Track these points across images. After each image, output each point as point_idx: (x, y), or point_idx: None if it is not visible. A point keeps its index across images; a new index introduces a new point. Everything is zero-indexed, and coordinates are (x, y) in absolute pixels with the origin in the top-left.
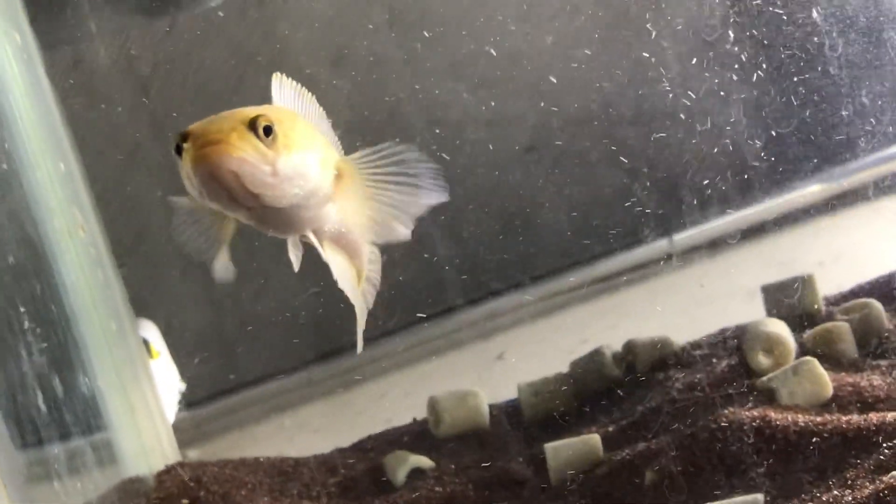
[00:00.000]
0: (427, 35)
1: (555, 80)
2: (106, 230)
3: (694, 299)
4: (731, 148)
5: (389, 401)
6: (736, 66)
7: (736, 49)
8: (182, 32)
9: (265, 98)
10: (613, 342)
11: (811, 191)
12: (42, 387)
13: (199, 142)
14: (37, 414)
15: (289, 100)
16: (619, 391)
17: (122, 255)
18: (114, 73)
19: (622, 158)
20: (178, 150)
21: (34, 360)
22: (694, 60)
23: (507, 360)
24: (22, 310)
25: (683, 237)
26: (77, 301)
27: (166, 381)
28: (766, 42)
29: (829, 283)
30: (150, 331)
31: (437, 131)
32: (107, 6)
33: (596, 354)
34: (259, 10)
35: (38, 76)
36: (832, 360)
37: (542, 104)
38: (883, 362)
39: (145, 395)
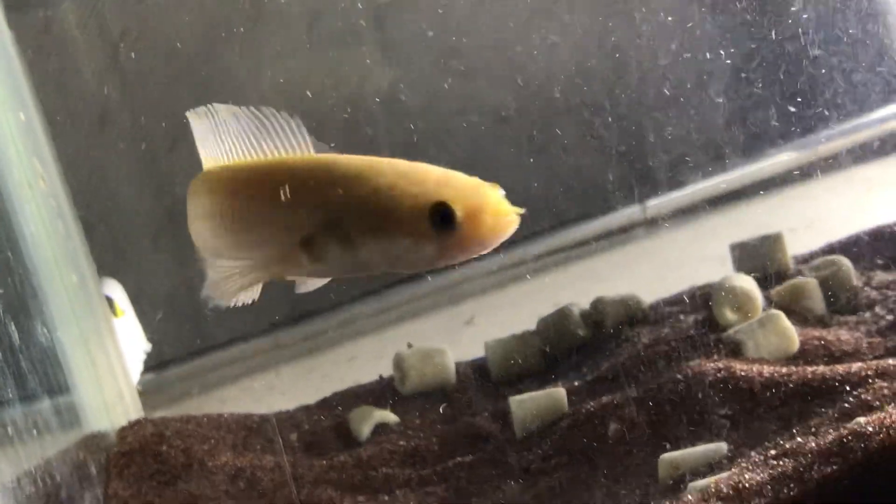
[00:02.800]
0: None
1: (528, 48)
2: (72, 192)
3: (666, 264)
4: (704, 115)
5: (359, 364)
6: (709, 33)
7: (709, 16)
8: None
9: (234, 65)
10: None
11: (784, 158)
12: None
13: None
14: None
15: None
16: (586, 348)
17: (92, 222)
18: (84, 34)
19: (594, 124)
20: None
21: None
22: (667, 27)
23: (477, 325)
24: None
25: (656, 203)
26: (36, 252)
27: (130, 340)
28: (739, 8)
29: (801, 248)
30: (115, 290)
31: (403, 98)
32: None
33: (563, 312)
34: None
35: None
36: (800, 316)
37: (516, 73)
38: (851, 318)
39: (107, 350)
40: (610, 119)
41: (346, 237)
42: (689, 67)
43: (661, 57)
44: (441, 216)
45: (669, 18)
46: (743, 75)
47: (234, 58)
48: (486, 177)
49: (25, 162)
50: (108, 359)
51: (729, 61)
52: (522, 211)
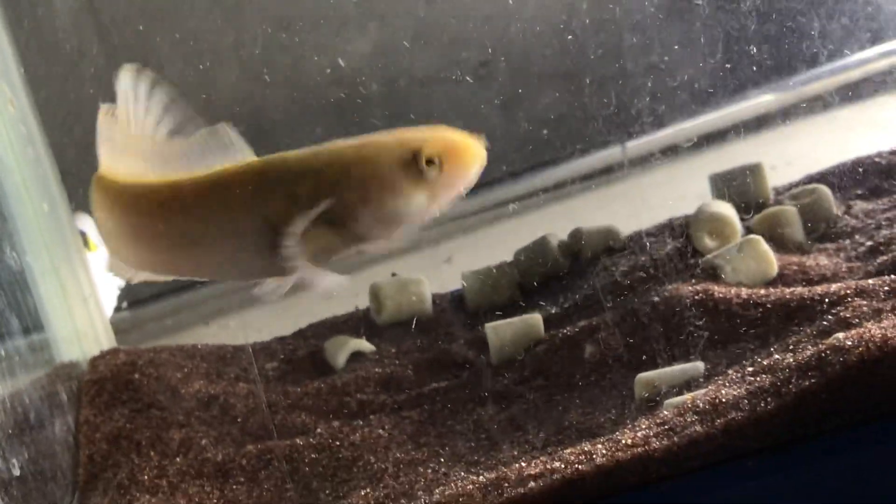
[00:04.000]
0: None
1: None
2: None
3: (646, 203)
4: (685, 55)
5: (335, 302)
6: None
7: None
8: None
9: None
10: None
11: (765, 99)
12: None
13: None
14: None
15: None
16: (563, 278)
17: (67, 154)
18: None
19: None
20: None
21: None
22: None
23: (456, 263)
24: None
25: (637, 144)
26: (5, 176)
27: (104, 274)
28: None
29: (778, 181)
30: (89, 224)
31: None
32: None
33: (541, 242)
34: None
35: None
36: (779, 243)
37: (496, 18)
38: (830, 245)
39: (79, 280)
40: (589, 60)
41: (337, 219)
42: (671, 7)
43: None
44: (422, 162)
45: None
46: (725, 14)
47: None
48: (468, 118)
49: (15, 150)
50: (80, 289)
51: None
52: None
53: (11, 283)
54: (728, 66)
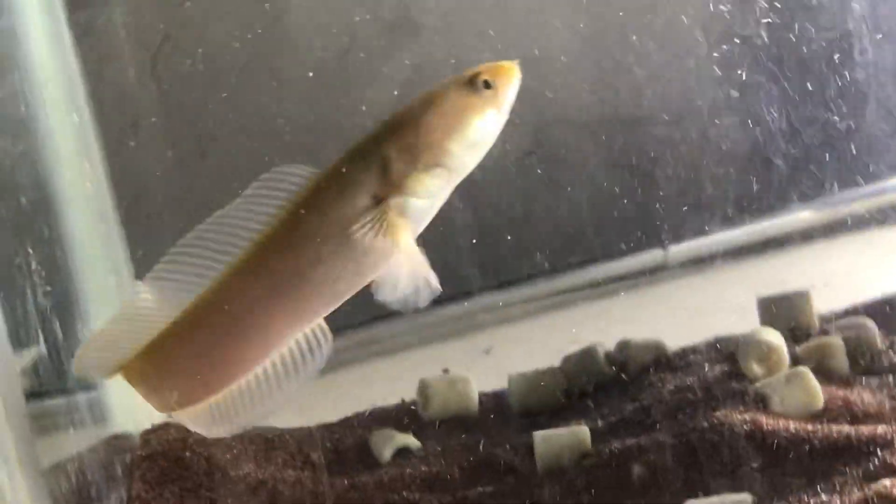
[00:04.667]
0: (428, 32)
1: (555, 84)
2: (113, 187)
3: (685, 311)
4: (730, 165)
5: (374, 385)
6: (738, 87)
7: (738, 69)
8: (196, 4)
9: (270, 77)
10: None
11: (805, 215)
12: (44, 331)
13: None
14: (38, 360)
15: None
16: (609, 389)
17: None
18: (124, 39)
19: (622, 166)
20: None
21: (38, 302)
22: (695, 77)
23: (495, 355)
24: (30, 250)
25: (678, 249)
26: (79, 252)
27: None
28: (769, 64)
29: (819, 306)
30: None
31: None
32: None
33: (589, 351)
34: None
35: (60, 29)
36: (824, 374)
37: (543, 108)
38: (873, 380)
39: None
40: (635, 162)
41: (431, 163)
42: (718, 119)
43: (694, 105)
44: (480, 83)
45: (699, 71)
46: (770, 130)
47: (269, 74)
48: (510, 207)
49: (75, 163)
50: None
51: (757, 116)
52: None
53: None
54: (773, 178)
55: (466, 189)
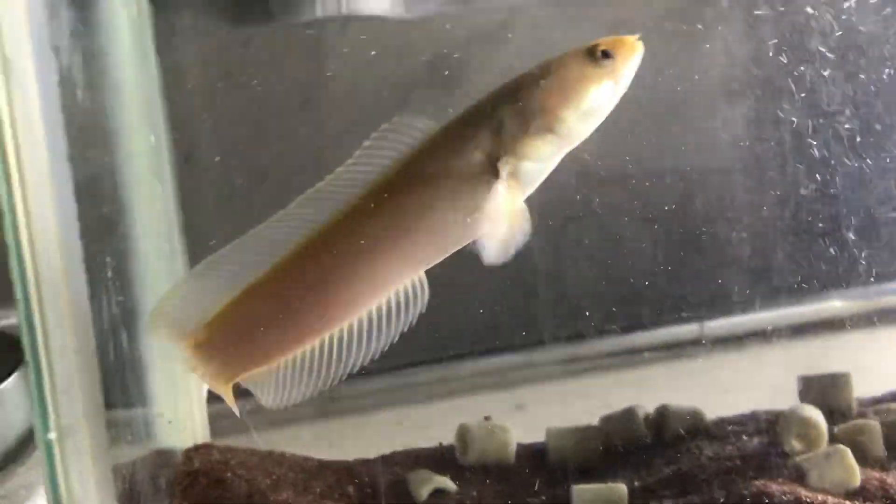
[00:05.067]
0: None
1: (596, 154)
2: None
3: (722, 385)
4: (773, 247)
5: (405, 430)
6: (791, 168)
7: (780, 156)
8: (262, 44)
9: (326, 121)
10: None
11: (843, 303)
12: (115, 342)
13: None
14: (109, 369)
15: None
16: (647, 451)
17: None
18: (187, 72)
19: (666, 238)
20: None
21: (113, 312)
22: (743, 151)
23: (527, 412)
24: (108, 259)
25: (714, 325)
26: (144, 268)
27: None
28: (806, 157)
29: (858, 390)
30: None
31: None
32: (195, 6)
33: (629, 412)
34: (342, 37)
35: (146, 48)
36: (860, 456)
37: (587, 172)
38: None
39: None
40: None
41: (543, 128)
42: (762, 202)
43: (740, 184)
44: (598, 53)
45: (748, 143)
46: (817, 214)
47: (328, 116)
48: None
49: (149, 182)
50: (188, 380)
51: (802, 200)
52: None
53: (139, 375)
54: (814, 263)
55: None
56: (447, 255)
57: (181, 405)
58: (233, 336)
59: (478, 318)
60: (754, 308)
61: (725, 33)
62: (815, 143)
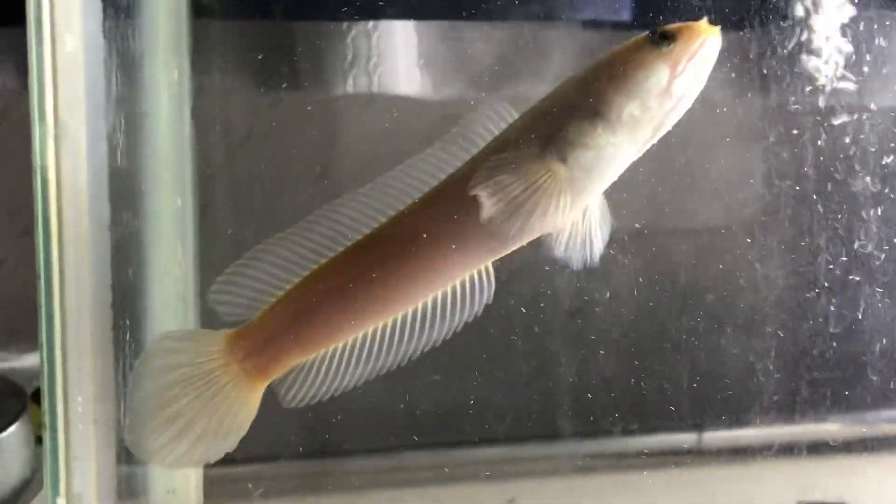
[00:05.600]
0: None
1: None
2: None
3: (719, 498)
4: (771, 366)
5: None
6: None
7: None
8: (285, 111)
9: (340, 190)
10: None
11: (842, 427)
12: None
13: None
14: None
15: None
16: None
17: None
18: (208, 130)
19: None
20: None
21: (123, 369)
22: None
23: None
24: (127, 321)
25: (712, 436)
26: (157, 329)
27: None
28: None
29: None
30: None
31: None
32: (232, 68)
33: None
34: (366, 109)
35: (182, 111)
36: None
37: (585, 278)
38: None
39: None
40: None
41: (595, 113)
42: (772, 325)
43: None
44: (658, 37)
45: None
46: (823, 336)
47: (344, 186)
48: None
49: (171, 244)
50: None
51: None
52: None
53: None
54: (818, 385)
55: (508, 338)
56: (515, 246)
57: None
58: (290, 324)
59: (467, 408)
60: (755, 422)
61: None
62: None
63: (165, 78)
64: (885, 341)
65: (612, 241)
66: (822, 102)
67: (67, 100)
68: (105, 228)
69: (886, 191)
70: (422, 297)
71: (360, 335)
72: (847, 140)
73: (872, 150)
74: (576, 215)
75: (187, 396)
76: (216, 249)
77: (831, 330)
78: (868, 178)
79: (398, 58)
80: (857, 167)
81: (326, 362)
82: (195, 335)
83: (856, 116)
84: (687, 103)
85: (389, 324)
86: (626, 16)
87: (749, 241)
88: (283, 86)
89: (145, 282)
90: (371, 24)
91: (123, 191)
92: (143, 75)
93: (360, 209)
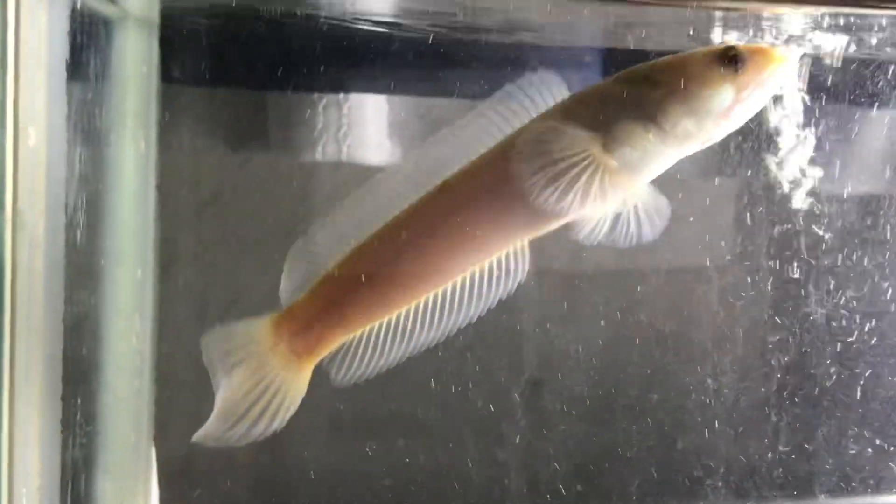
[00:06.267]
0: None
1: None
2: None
3: None
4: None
5: None
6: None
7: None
8: (256, 169)
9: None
10: None
11: None
12: (74, 483)
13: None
14: None
15: None
16: None
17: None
18: (178, 189)
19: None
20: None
21: (76, 455)
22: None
23: None
24: (78, 401)
25: None
26: (109, 403)
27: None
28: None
29: None
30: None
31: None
32: (203, 130)
33: None
34: (334, 173)
35: (148, 184)
36: None
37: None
38: None
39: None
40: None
41: (650, 117)
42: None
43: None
44: (728, 58)
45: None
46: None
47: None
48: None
49: (129, 316)
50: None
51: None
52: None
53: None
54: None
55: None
56: (552, 226)
57: None
58: (334, 302)
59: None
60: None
61: None
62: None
63: (132, 150)
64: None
65: None
66: None
67: (27, 191)
68: (59, 312)
69: None
70: (462, 270)
71: (403, 311)
72: None
73: None
74: (617, 204)
75: (237, 389)
76: (176, 317)
77: None
78: None
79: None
80: None
81: (373, 339)
82: (237, 328)
83: None
84: (741, 122)
85: (431, 299)
86: None
87: None
88: (252, 154)
89: (100, 356)
90: (342, 95)
91: (82, 269)
92: (109, 150)
93: (400, 184)
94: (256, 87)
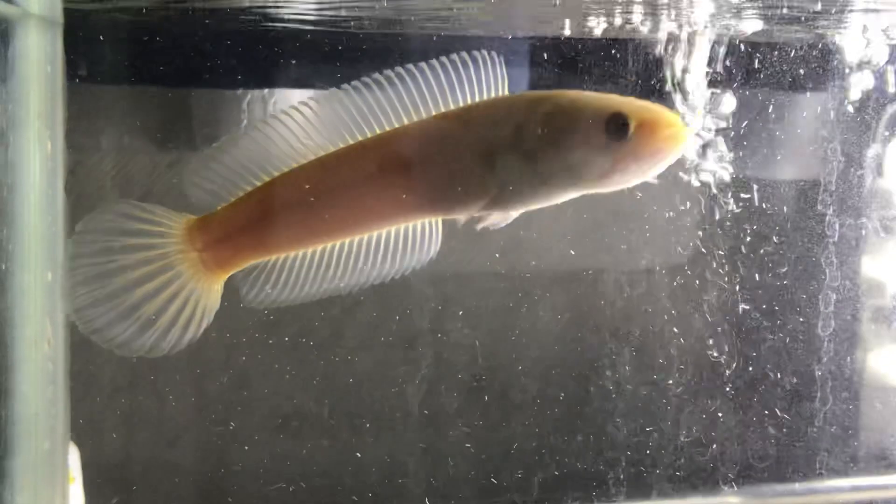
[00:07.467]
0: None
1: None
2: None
3: None
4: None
5: None
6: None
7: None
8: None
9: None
10: None
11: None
12: None
13: (675, 126)
14: None
15: None
16: None
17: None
18: (105, 188)
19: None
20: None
21: None
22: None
23: None
24: None
25: None
26: (21, 411)
27: None
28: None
29: None
30: (72, 454)
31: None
32: (125, 130)
33: None
34: None
35: (55, 188)
36: None
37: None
38: None
39: None
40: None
41: (528, 152)
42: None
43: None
44: (615, 125)
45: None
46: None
47: None
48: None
49: (40, 321)
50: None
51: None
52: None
53: None
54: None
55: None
56: (467, 212)
57: None
58: (255, 221)
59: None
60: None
61: None
62: None
63: (38, 151)
64: None
65: None
66: None
67: None
68: None
69: None
70: (374, 226)
71: (321, 250)
72: None
73: None
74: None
75: (138, 271)
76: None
77: None
78: None
79: None
80: None
81: (287, 269)
82: (155, 210)
83: None
84: (629, 184)
85: (347, 245)
86: None
87: None
88: (181, 154)
89: (9, 363)
90: (266, 91)
91: None
92: (13, 152)
93: (337, 119)
94: (179, 85)
